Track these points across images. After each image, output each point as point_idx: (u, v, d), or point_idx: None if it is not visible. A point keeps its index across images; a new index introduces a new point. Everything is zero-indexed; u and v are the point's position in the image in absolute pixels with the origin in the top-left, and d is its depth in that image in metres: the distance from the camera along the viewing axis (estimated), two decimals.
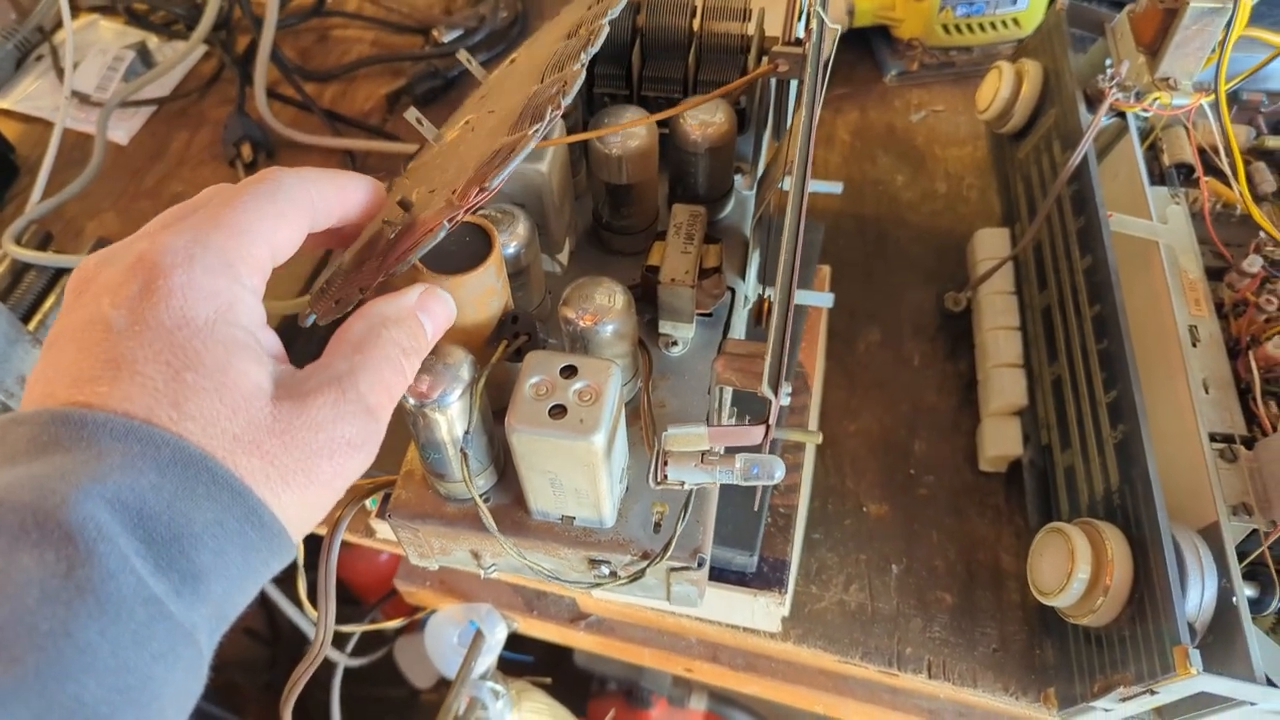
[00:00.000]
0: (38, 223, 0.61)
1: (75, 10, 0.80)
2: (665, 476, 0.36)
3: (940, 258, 0.64)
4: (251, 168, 0.69)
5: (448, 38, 0.77)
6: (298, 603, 0.59)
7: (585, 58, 0.40)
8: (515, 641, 0.86)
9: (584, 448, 0.36)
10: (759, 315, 0.38)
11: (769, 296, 0.37)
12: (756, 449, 0.37)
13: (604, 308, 0.40)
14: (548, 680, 0.70)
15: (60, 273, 0.57)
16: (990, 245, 0.60)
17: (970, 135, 0.71)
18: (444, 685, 0.88)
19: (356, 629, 0.60)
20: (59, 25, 0.79)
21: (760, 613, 0.49)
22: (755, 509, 0.46)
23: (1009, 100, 0.61)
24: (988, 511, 0.54)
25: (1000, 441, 0.54)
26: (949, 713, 0.54)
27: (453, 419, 0.37)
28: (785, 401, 0.35)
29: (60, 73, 0.75)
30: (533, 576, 0.45)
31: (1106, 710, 0.43)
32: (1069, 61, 0.59)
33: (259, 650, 1.30)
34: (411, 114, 0.45)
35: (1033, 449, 0.53)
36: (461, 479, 0.40)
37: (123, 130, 0.73)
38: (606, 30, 0.43)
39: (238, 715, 0.98)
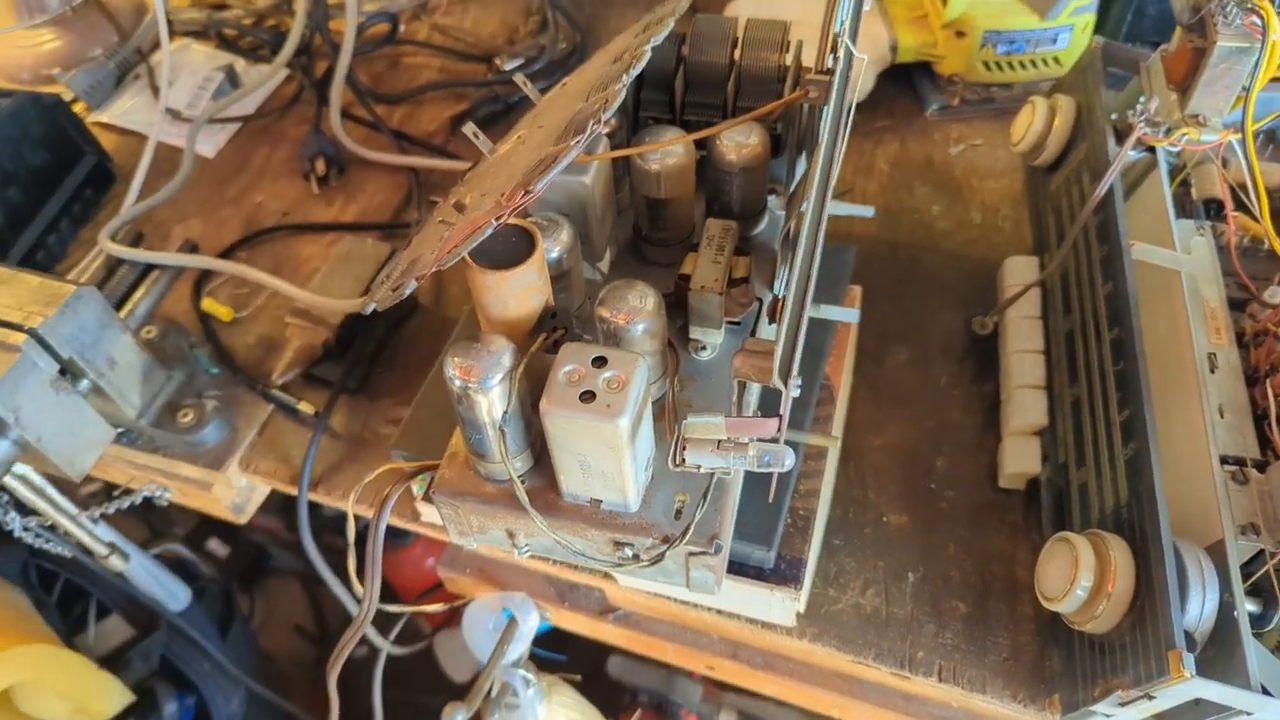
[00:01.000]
0: (130, 224, 0.67)
1: (171, 34, 0.87)
2: (683, 459, 0.39)
3: (972, 284, 0.66)
4: (324, 181, 0.75)
5: (509, 66, 0.82)
6: (346, 582, 0.63)
7: (627, 79, 0.43)
8: (552, 643, 0.89)
9: (610, 430, 0.39)
10: (772, 313, 0.41)
11: (782, 295, 0.40)
12: (773, 441, 0.40)
13: (636, 308, 0.43)
14: (578, 677, 0.73)
15: (149, 268, 0.63)
16: (1019, 272, 0.62)
17: (1008, 169, 0.73)
18: None
19: (403, 609, 0.63)
20: (156, 47, 0.85)
21: (776, 607, 0.51)
22: (770, 501, 0.49)
23: (1041, 134, 0.63)
24: (1005, 527, 0.56)
25: (1020, 459, 0.55)
26: None
27: (493, 401, 0.41)
28: (796, 393, 0.38)
29: (156, 91, 0.82)
30: (561, 557, 0.48)
31: (1107, 715, 0.45)
32: (1101, 97, 0.61)
33: (307, 648, 1.35)
34: (469, 128, 0.49)
35: (1050, 467, 0.54)
36: (500, 459, 0.44)
37: (210, 144, 0.79)
38: (649, 55, 0.46)
39: (286, 699, 1.02)
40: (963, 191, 0.72)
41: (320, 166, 0.74)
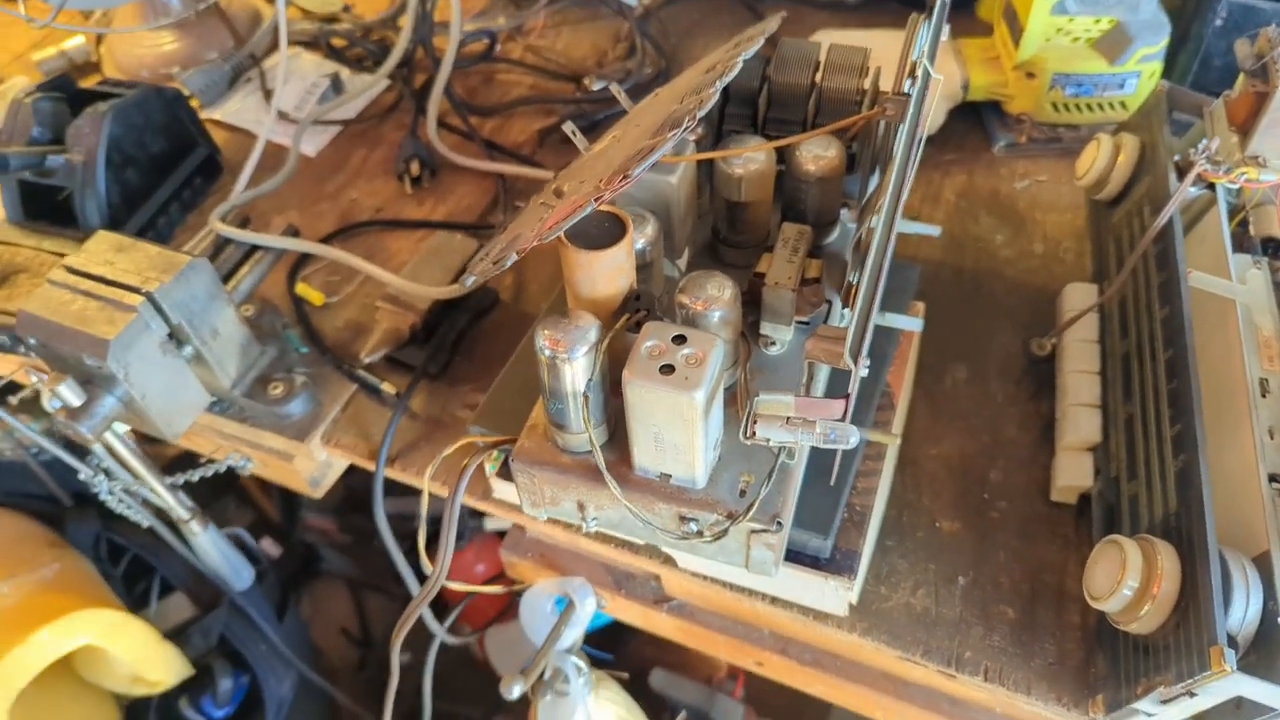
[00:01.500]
0: (238, 209, 0.72)
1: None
2: (754, 433, 0.42)
3: (1032, 310, 0.68)
4: (417, 182, 0.80)
5: (596, 86, 0.86)
6: (413, 562, 0.66)
7: (720, 85, 0.47)
8: (601, 643, 0.91)
9: (686, 401, 0.42)
10: (846, 298, 0.44)
11: (855, 281, 0.43)
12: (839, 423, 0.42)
13: (714, 297, 0.46)
14: (625, 676, 0.75)
15: (253, 250, 0.67)
16: (1079, 298, 0.64)
17: (1071, 204, 0.75)
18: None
19: (468, 588, 0.65)
20: (269, 53, 0.92)
21: (830, 596, 0.53)
22: (832, 482, 0.51)
23: (1105, 170, 0.66)
24: (1056, 539, 0.57)
25: (1072, 473, 0.57)
26: None
27: (577, 372, 0.44)
28: (864, 373, 0.41)
29: (266, 93, 0.88)
30: (628, 532, 0.51)
31: (1149, 714, 0.46)
32: (1165, 137, 0.64)
33: (352, 650, 1.38)
34: (569, 126, 0.53)
35: (1102, 481, 0.56)
36: (578, 429, 0.47)
37: (312, 145, 0.85)
38: (740, 66, 0.50)
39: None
40: (1026, 224, 0.74)
41: (415, 168, 0.79)
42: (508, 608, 1.06)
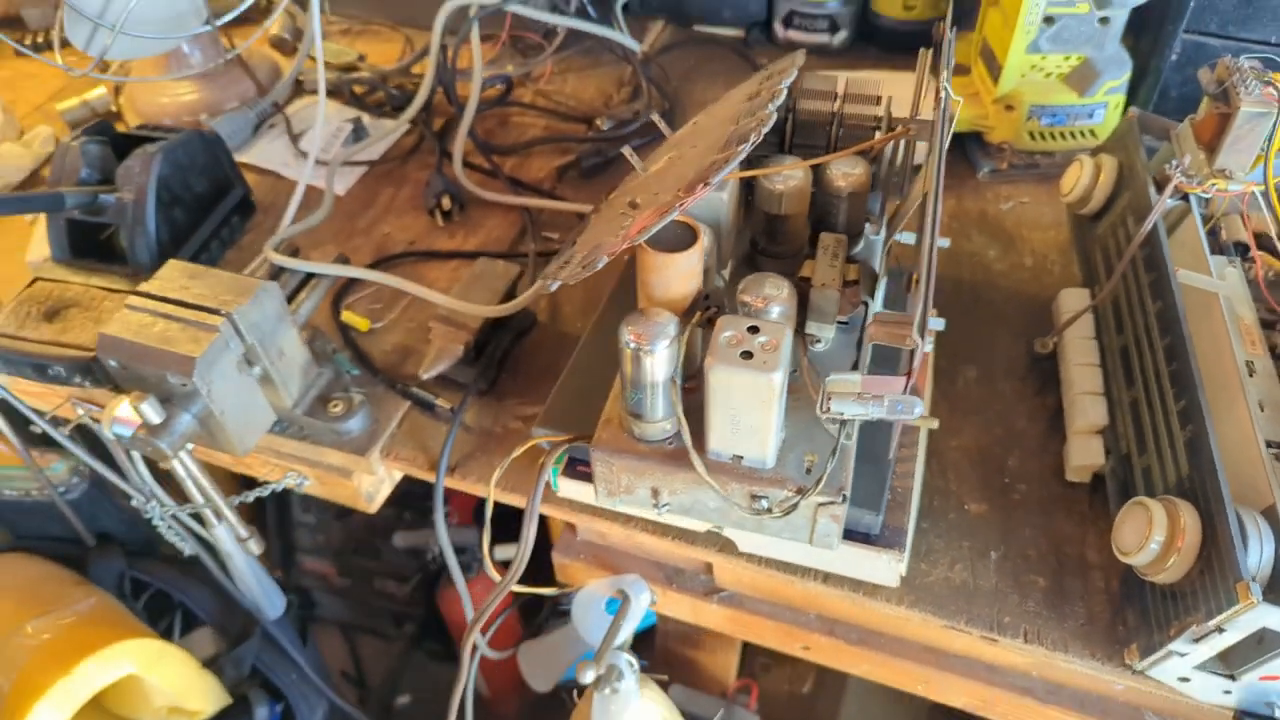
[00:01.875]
0: (286, 241, 0.75)
1: (305, 91, 0.98)
2: (829, 408, 0.47)
3: (1029, 317, 0.75)
4: (448, 216, 0.84)
5: (606, 126, 0.92)
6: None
7: (774, 106, 0.53)
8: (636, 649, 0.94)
9: (765, 382, 0.47)
10: (908, 285, 0.49)
11: (915, 274, 0.48)
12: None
13: (773, 295, 0.52)
14: (665, 678, 0.78)
15: (308, 278, 0.71)
16: (1073, 301, 0.71)
17: (1054, 222, 0.83)
18: (557, 695, 0.96)
19: (523, 590, 0.68)
20: (290, 100, 0.96)
21: (882, 568, 0.58)
22: (890, 456, 0.56)
23: (1089, 186, 0.73)
24: (1074, 515, 0.63)
25: (1085, 454, 0.63)
26: (1040, 690, 0.62)
27: (657, 363, 0.49)
28: (929, 348, 0.46)
29: (294, 138, 0.92)
30: (699, 515, 0.55)
31: (1182, 655, 0.51)
32: (1141, 156, 0.71)
33: (351, 693, 1.39)
34: (627, 150, 0.59)
35: (1114, 459, 0.62)
36: (655, 418, 0.52)
37: (341, 185, 0.89)
38: (785, 92, 0.56)
39: None
40: (1015, 240, 0.81)
41: (446, 202, 0.83)
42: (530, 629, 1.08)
